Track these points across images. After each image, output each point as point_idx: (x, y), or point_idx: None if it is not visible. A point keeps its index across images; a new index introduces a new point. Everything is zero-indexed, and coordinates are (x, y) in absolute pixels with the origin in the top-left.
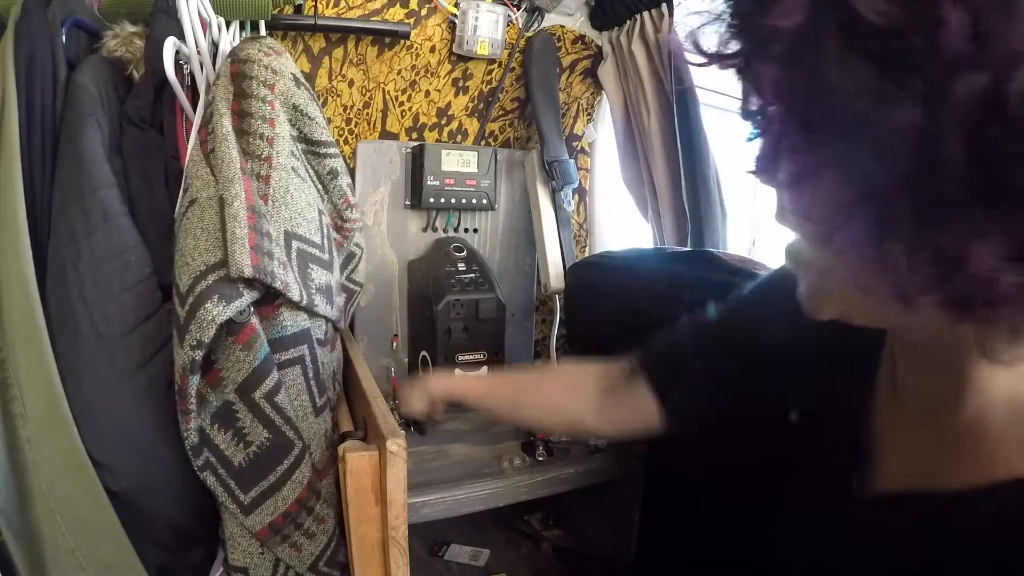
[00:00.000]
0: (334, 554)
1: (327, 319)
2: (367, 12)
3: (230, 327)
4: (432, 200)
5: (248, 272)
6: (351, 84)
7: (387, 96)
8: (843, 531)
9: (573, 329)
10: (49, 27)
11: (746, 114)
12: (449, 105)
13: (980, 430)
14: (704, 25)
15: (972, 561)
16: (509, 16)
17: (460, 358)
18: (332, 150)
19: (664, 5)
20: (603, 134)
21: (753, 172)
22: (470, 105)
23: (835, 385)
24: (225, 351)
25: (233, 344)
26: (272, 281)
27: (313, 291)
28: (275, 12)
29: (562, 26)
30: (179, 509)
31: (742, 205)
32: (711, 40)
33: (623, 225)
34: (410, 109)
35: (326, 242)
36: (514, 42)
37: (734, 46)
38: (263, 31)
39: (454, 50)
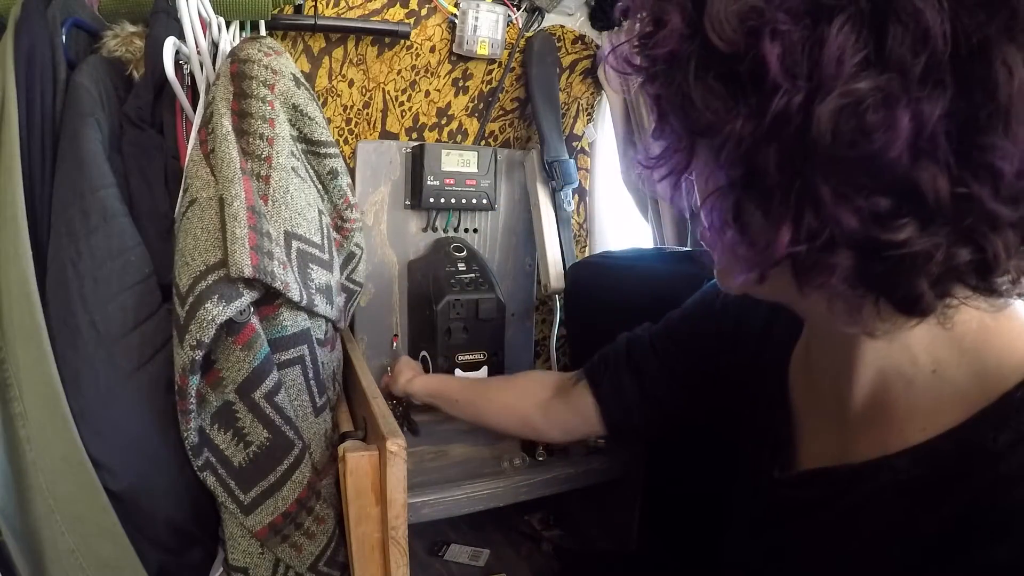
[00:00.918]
0: (334, 554)
1: (327, 319)
2: (367, 12)
3: (230, 327)
4: (432, 200)
5: (248, 272)
6: (351, 84)
7: (387, 96)
8: (772, 515)
9: (573, 329)
10: (49, 27)
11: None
12: (449, 105)
13: (877, 404)
14: (621, 45)
15: (875, 528)
16: (509, 16)
17: (460, 358)
18: (332, 150)
19: None
20: (603, 134)
21: (641, 166)
22: (470, 105)
23: (755, 382)
24: (225, 351)
25: (233, 344)
26: (272, 281)
27: (313, 291)
28: (275, 12)
29: (562, 26)
30: (179, 509)
31: None
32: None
33: (623, 225)
34: (410, 109)
35: (326, 242)
36: (514, 42)
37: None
38: (263, 31)
39: (454, 50)
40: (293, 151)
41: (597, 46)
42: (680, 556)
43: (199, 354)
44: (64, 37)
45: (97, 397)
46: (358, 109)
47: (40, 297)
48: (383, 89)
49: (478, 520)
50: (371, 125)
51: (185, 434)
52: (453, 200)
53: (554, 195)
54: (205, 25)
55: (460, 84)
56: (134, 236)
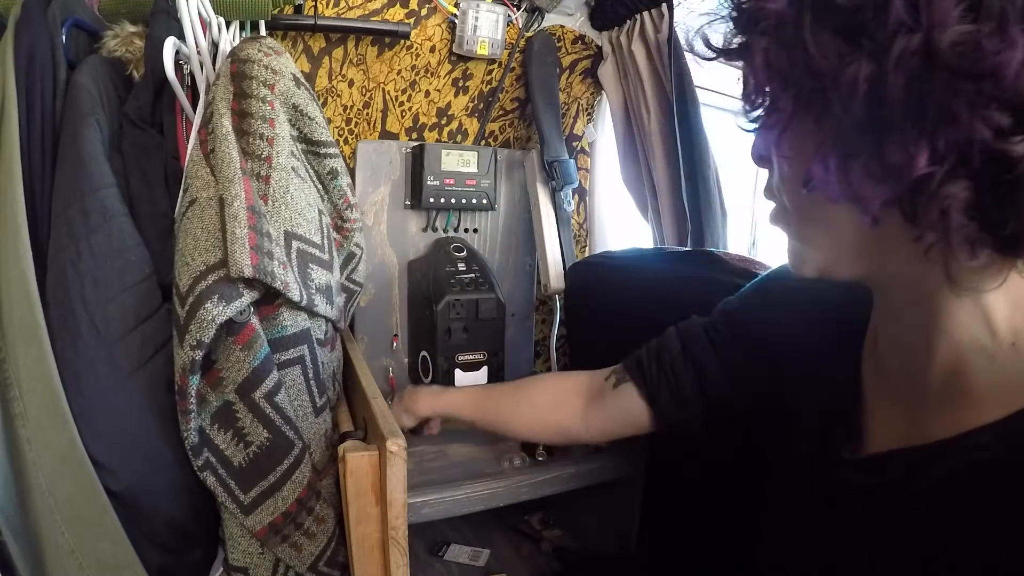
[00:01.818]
0: (334, 554)
1: (327, 319)
2: (367, 12)
3: (230, 327)
4: (432, 200)
5: (248, 272)
6: (351, 84)
7: (387, 96)
8: (833, 505)
9: (573, 329)
10: (49, 27)
11: (746, 96)
12: (449, 105)
13: (954, 381)
14: (710, 23)
15: (949, 509)
16: (509, 16)
17: (460, 358)
18: (332, 150)
19: (664, 5)
20: (603, 134)
21: (753, 133)
22: (470, 105)
23: (822, 370)
24: (225, 351)
25: (233, 344)
26: (272, 281)
27: (313, 291)
28: (275, 12)
29: (562, 26)
30: (179, 509)
31: (742, 205)
32: (716, 39)
33: (623, 225)
34: (410, 109)
35: (326, 242)
36: (514, 42)
37: (735, 39)
38: (263, 31)
39: (454, 50)
40: (293, 151)
41: (597, 46)
42: (681, 556)
43: (199, 354)
44: (64, 37)
45: (97, 397)
46: (358, 109)
47: (40, 297)
48: (383, 89)
49: (478, 520)
50: (371, 125)
51: (185, 434)
52: (453, 200)
53: (554, 195)
54: (205, 25)
55: (460, 84)
56: (134, 236)
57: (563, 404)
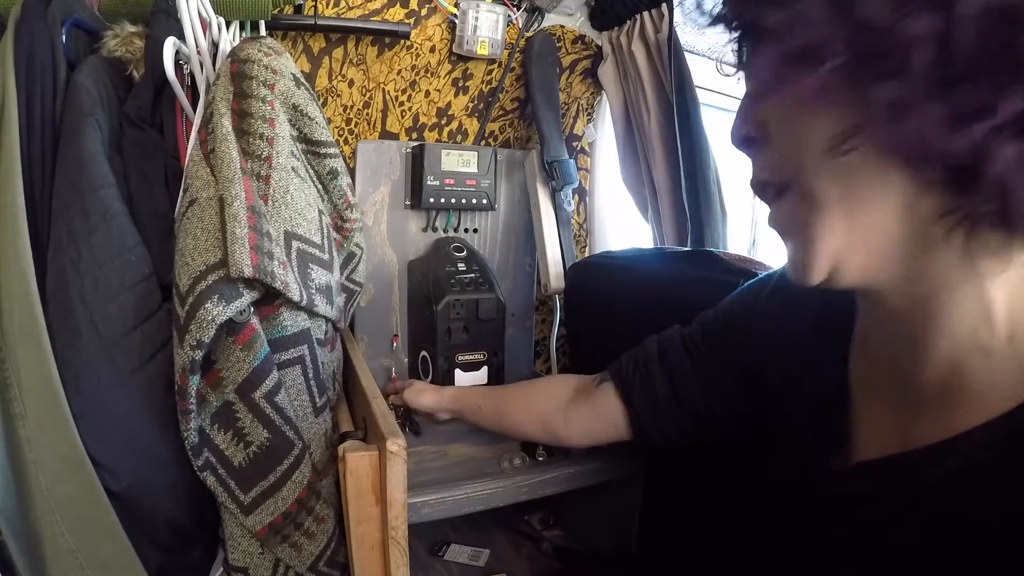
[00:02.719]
0: (334, 554)
1: (327, 319)
2: (367, 12)
3: (230, 327)
4: (432, 200)
5: (248, 272)
6: (351, 84)
7: (387, 96)
8: (826, 512)
9: (573, 329)
10: (49, 27)
11: (763, 61)
12: (449, 105)
13: (950, 381)
14: None
15: (944, 511)
16: (509, 16)
17: (460, 358)
18: (332, 150)
19: (664, 5)
20: (603, 134)
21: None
22: (470, 105)
23: (806, 378)
24: (225, 351)
25: (233, 344)
26: (272, 281)
27: (313, 291)
28: (275, 12)
29: (562, 26)
30: (179, 509)
31: (742, 205)
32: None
33: (623, 225)
34: (410, 109)
35: (326, 242)
36: (514, 42)
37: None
38: (263, 31)
39: (454, 50)
40: (293, 151)
41: (597, 46)
42: (680, 556)
43: (199, 354)
44: (64, 37)
45: (97, 397)
46: (358, 109)
47: (40, 297)
48: (383, 89)
49: (478, 520)
50: (371, 125)
51: (185, 434)
52: (453, 200)
53: (554, 195)
54: (205, 25)
55: (460, 84)
56: (134, 236)
57: (550, 398)
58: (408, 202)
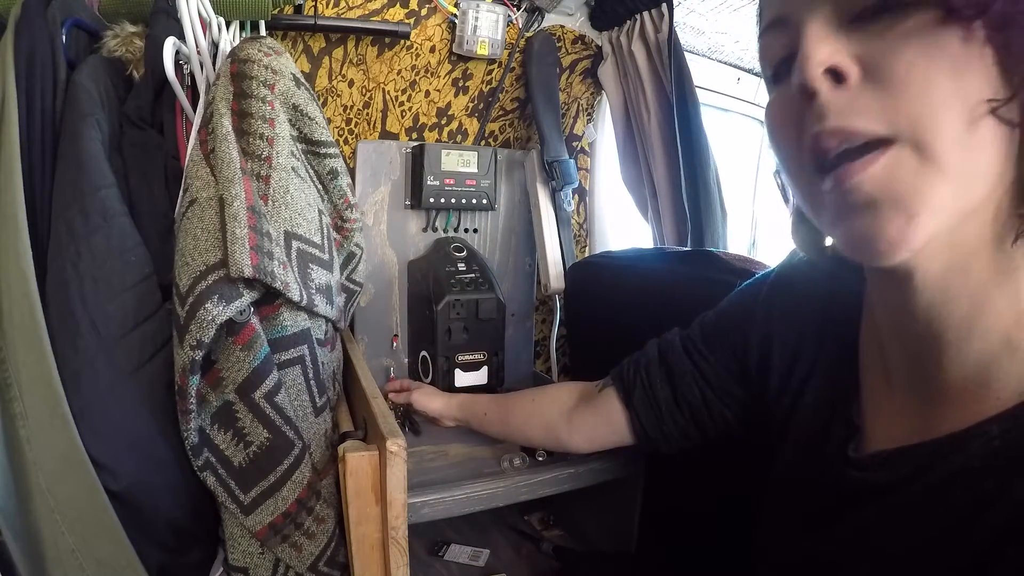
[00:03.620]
0: (334, 554)
1: (327, 319)
2: (367, 12)
3: (230, 327)
4: (432, 200)
5: (248, 272)
6: (351, 84)
7: (387, 96)
8: (838, 504)
9: (573, 329)
10: (49, 27)
11: None
12: (449, 105)
13: (976, 376)
14: None
15: (964, 501)
16: (509, 16)
17: (460, 358)
18: (332, 150)
19: (664, 5)
20: (603, 134)
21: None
22: (470, 105)
23: (814, 373)
24: (225, 351)
25: (233, 344)
26: (272, 281)
27: (313, 291)
28: (275, 12)
29: (562, 26)
30: (179, 509)
31: (742, 205)
32: None
33: (623, 225)
34: (410, 109)
35: (326, 242)
36: (514, 42)
37: None
38: (263, 31)
39: (454, 50)
40: (293, 151)
41: (597, 46)
42: (680, 556)
43: (199, 354)
44: (64, 37)
45: (97, 397)
46: (358, 109)
47: (40, 297)
48: (383, 89)
49: (478, 520)
50: (371, 125)
51: (185, 434)
52: (453, 200)
53: (554, 195)
54: (205, 25)
55: (460, 84)
56: (134, 236)
57: (555, 403)
58: (408, 202)
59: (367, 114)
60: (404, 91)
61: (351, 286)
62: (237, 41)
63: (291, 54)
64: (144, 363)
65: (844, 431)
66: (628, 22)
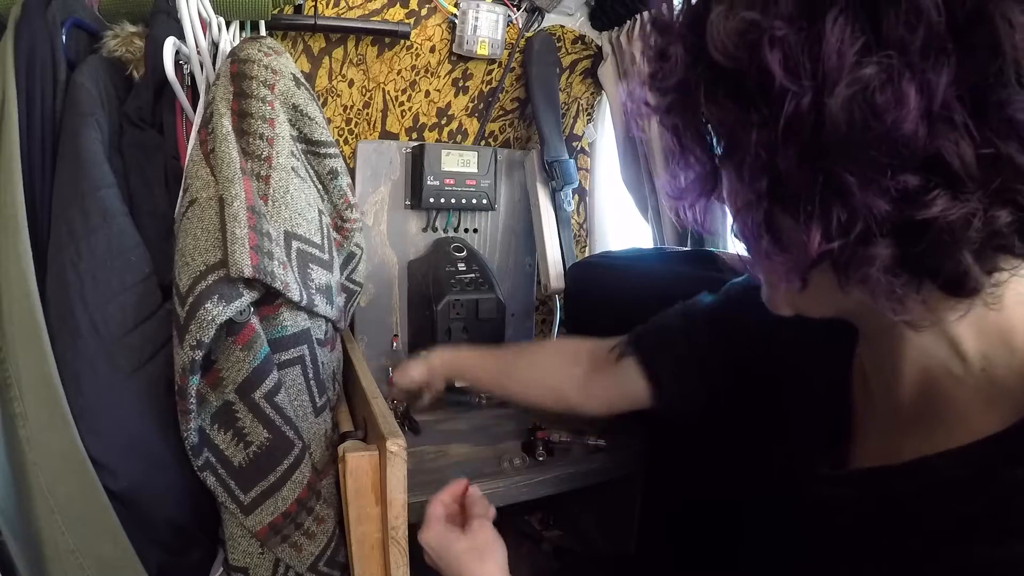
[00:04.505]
0: (334, 554)
1: (327, 319)
2: (367, 12)
3: (230, 327)
4: (432, 200)
5: (248, 272)
6: (351, 84)
7: (387, 96)
8: (810, 517)
9: (573, 329)
10: (49, 27)
11: (672, 154)
12: (449, 105)
13: (924, 403)
14: (635, 89)
15: (910, 526)
16: (509, 16)
17: None
18: (332, 150)
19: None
20: (603, 134)
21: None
22: (470, 105)
23: (813, 381)
24: (225, 351)
25: (233, 344)
26: (272, 281)
27: (313, 291)
28: (275, 12)
29: (562, 26)
30: (179, 509)
31: None
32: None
33: (623, 225)
34: (410, 109)
35: (326, 242)
36: (514, 42)
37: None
38: (263, 31)
39: (454, 50)
40: (293, 151)
41: (597, 46)
42: (680, 556)
43: (199, 354)
44: (64, 37)
45: (97, 397)
46: (358, 109)
47: (40, 297)
48: (383, 89)
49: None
50: (371, 125)
51: (185, 434)
52: (453, 200)
53: (554, 195)
54: (205, 25)
55: (460, 84)
56: (134, 236)
57: (563, 369)
58: (408, 202)
59: (367, 114)
60: (404, 91)
61: (351, 286)
62: (237, 41)
63: (291, 54)
64: (144, 363)
65: (826, 445)
66: (628, 22)
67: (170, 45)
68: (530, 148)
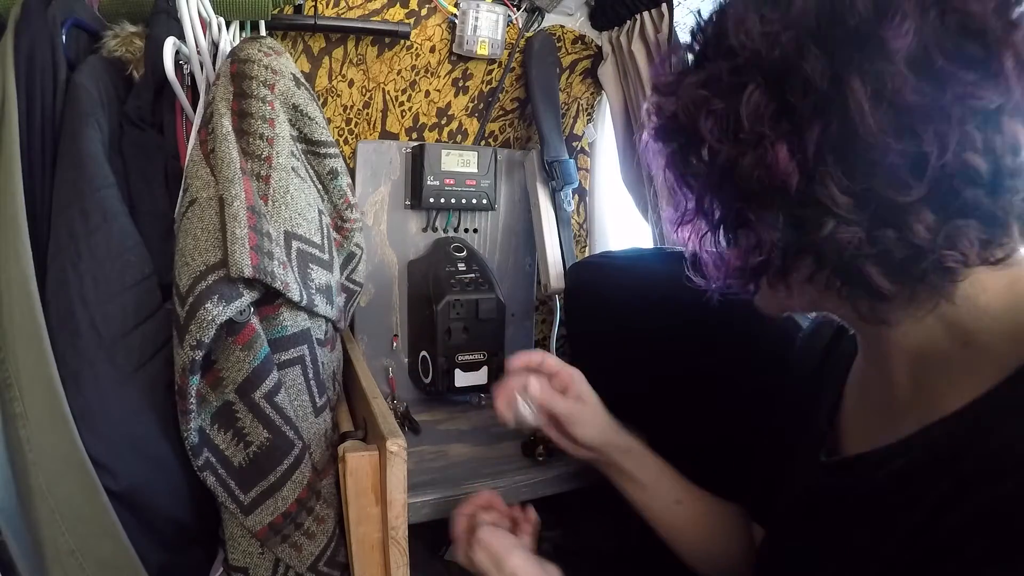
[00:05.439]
0: (334, 554)
1: (327, 319)
2: (367, 12)
3: (230, 327)
4: (432, 200)
5: (248, 272)
6: (351, 84)
7: (387, 96)
8: (810, 507)
9: (573, 329)
10: (49, 27)
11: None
12: (449, 105)
13: (918, 385)
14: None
15: (895, 503)
16: (509, 16)
17: (460, 358)
18: (332, 150)
19: (664, 5)
20: (603, 134)
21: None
22: (470, 105)
23: (822, 377)
24: (225, 351)
25: (233, 344)
26: (272, 281)
27: (313, 291)
28: (275, 12)
29: (562, 26)
30: (179, 509)
31: None
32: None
33: (623, 225)
34: (410, 109)
35: (326, 242)
36: (514, 42)
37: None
38: (263, 31)
39: (454, 50)
40: (293, 151)
41: (597, 46)
42: (680, 556)
43: (199, 354)
44: (64, 37)
45: (97, 397)
46: (358, 109)
47: (40, 297)
48: (383, 89)
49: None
50: (371, 125)
51: (185, 434)
52: (453, 200)
53: (554, 195)
54: (205, 25)
55: (460, 84)
56: (134, 236)
57: (735, 545)
58: (408, 202)
59: (367, 114)
60: (404, 91)
61: (351, 286)
62: (237, 41)
63: (291, 54)
64: (144, 363)
65: (820, 441)
66: (628, 22)
67: (170, 45)
68: (530, 148)
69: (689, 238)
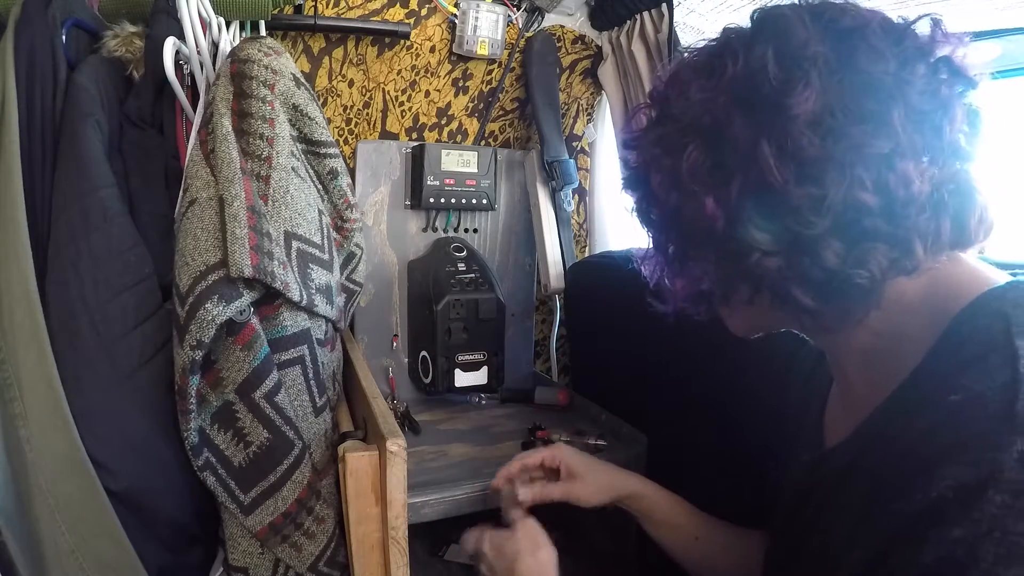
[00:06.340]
0: (334, 554)
1: (327, 319)
2: (367, 12)
3: (230, 327)
4: (432, 200)
5: (248, 272)
6: (351, 84)
7: (387, 96)
8: (800, 499)
9: (573, 329)
10: (49, 27)
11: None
12: (449, 105)
13: (870, 381)
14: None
15: (870, 486)
16: (509, 16)
17: (460, 358)
18: (332, 150)
19: (664, 5)
20: (603, 134)
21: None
22: (470, 105)
23: (813, 381)
24: (225, 351)
25: (233, 344)
26: (272, 281)
27: (313, 291)
28: (275, 12)
29: (562, 26)
30: (179, 509)
31: None
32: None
33: (623, 225)
34: (410, 109)
35: (326, 242)
36: (514, 42)
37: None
38: (263, 31)
39: (454, 50)
40: (293, 151)
41: (597, 46)
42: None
43: (199, 354)
44: (64, 37)
45: (97, 397)
46: (358, 109)
47: (40, 297)
48: (383, 89)
49: (478, 520)
50: (371, 125)
51: (185, 434)
52: (453, 200)
53: (554, 195)
54: (205, 25)
55: (460, 84)
56: (134, 236)
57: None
58: (408, 202)
59: (367, 114)
60: (404, 91)
61: (351, 286)
62: (237, 41)
63: (291, 54)
64: (144, 363)
65: (809, 435)
66: (628, 22)
67: (170, 45)
68: (530, 148)
69: (653, 271)
